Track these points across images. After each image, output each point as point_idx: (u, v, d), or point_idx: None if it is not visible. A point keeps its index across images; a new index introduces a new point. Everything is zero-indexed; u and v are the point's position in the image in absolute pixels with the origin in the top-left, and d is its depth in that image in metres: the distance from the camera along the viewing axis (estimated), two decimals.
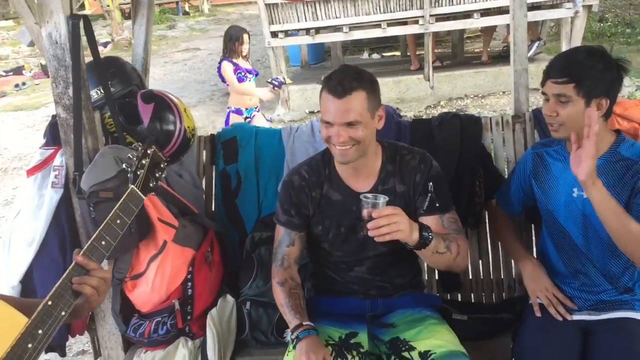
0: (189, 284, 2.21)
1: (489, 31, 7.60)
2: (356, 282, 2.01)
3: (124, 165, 2.03)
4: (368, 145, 1.87)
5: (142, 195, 1.61)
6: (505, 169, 2.44)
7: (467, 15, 6.84)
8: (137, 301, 2.21)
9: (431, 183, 1.93)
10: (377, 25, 6.98)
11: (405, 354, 1.83)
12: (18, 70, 11.09)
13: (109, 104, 2.21)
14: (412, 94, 7.27)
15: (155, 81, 9.51)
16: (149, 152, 1.67)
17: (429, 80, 7.11)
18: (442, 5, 6.78)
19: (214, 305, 2.24)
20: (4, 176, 6.40)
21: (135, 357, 2.20)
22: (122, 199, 1.54)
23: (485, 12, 6.80)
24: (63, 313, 1.31)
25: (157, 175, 1.68)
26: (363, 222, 1.71)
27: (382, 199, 1.70)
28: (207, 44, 12.92)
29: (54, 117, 2.18)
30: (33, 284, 2.11)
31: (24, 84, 10.28)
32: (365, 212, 1.70)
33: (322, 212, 1.98)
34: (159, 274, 2.16)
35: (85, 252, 1.41)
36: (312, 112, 7.34)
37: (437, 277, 2.49)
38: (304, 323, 1.84)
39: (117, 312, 2.19)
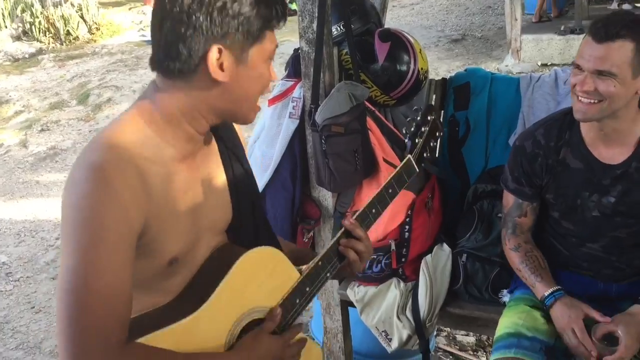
0: (407, 227, 2.20)
1: None
2: (587, 259, 1.82)
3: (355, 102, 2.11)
4: (617, 108, 1.62)
5: (416, 167, 1.54)
6: None
7: None
8: None
9: None
10: None
11: None
12: None
13: (348, 40, 2.23)
14: None
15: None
16: (429, 118, 1.56)
17: None
18: None
19: (429, 251, 2.21)
20: None
21: (349, 289, 2.28)
22: (397, 168, 1.50)
23: None
24: (328, 275, 1.34)
25: (432, 145, 1.58)
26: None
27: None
28: None
29: (296, 50, 2.27)
30: (264, 205, 2.27)
31: None
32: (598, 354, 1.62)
33: (556, 179, 1.79)
34: None
35: (356, 218, 1.41)
36: (544, 65, 6.82)
37: None
38: (550, 289, 1.74)
39: None
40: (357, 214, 1.42)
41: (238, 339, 1.22)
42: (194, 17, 1.08)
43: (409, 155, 1.52)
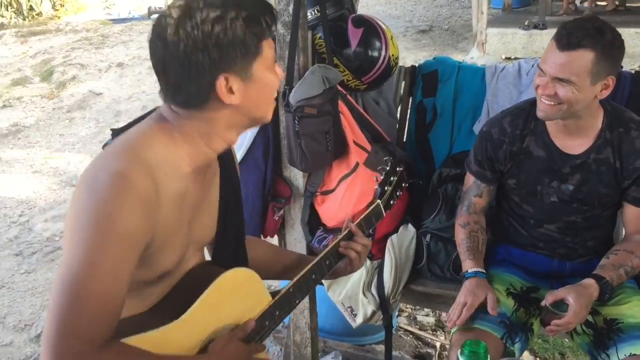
0: None
1: None
2: (543, 239, 1.94)
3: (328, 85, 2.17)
4: (577, 110, 1.71)
5: (383, 211, 1.66)
6: None
7: None
8: (324, 215, 2.34)
9: None
10: None
11: (589, 317, 1.75)
12: None
13: (323, 24, 2.28)
14: (625, 49, 6.55)
15: None
16: (397, 170, 1.69)
17: None
18: None
19: (395, 231, 2.29)
20: None
21: None
22: (367, 211, 1.62)
23: None
24: (297, 301, 1.42)
25: (397, 194, 1.71)
26: (545, 314, 1.74)
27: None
28: None
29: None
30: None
31: None
32: (547, 318, 1.73)
33: (519, 166, 1.89)
34: (348, 193, 2.26)
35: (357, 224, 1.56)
36: (508, 58, 6.98)
37: None
38: (476, 268, 1.84)
39: (305, 222, 2.34)
40: (357, 222, 1.57)
41: None
42: (193, 57, 1.12)
43: (379, 201, 1.64)
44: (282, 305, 1.38)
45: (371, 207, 1.62)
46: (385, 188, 1.65)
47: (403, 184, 1.72)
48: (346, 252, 1.51)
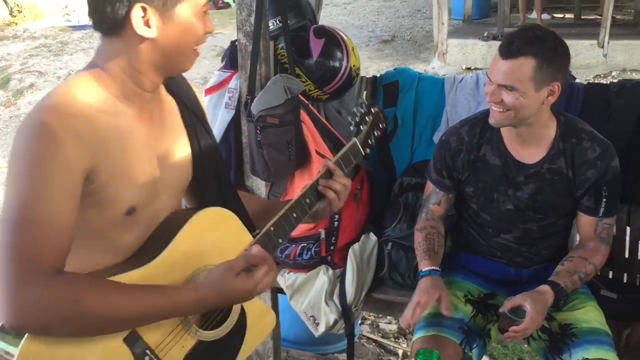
0: (336, 216, 2.29)
1: None
2: (500, 248, 1.98)
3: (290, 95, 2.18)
4: (526, 117, 1.77)
5: (361, 150, 1.58)
6: None
7: None
8: None
9: (605, 187, 1.82)
10: None
11: (545, 322, 1.79)
12: None
13: (285, 35, 2.30)
14: (580, 61, 6.76)
15: None
16: (372, 110, 1.64)
17: (602, 47, 6.57)
18: None
19: (357, 240, 2.31)
20: None
21: (279, 276, 2.35)
22: (344, 148, 1.53)
23: None
24: (280, 241, 1.37)
25: (375, 134, 1.65)
26: (503, 321, 1.77)
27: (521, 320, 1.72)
28: None
29: (233, 42, 2.31)
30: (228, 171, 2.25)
31: None
32: (505, 325, 1.75)
33: (476, 174, 1.94)
34: None
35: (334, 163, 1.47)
36: (469, 69, 7.11)
37: None
38: (430, 267, 1.86)
39: None
40: (335, 159, 1.48)
41: None
42: None
43: (355, 139, 1.56)
44: (264, 244, 1.32)
45: (348, 145, 1.54)
46: (361, 127, 1.59)
47: (380, 125, 1.65)
48: (325, 192, 1.42)
